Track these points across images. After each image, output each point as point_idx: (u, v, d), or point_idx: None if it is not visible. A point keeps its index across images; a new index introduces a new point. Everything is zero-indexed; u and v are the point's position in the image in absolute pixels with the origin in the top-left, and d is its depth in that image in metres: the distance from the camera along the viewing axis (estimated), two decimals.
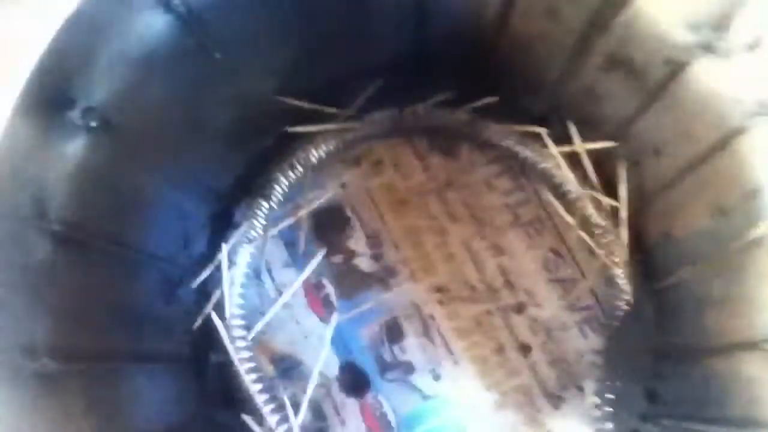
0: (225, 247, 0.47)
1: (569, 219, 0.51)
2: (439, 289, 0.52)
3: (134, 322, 0.41)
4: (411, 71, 0.49)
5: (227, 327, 0.46)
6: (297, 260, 0.52)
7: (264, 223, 0.49)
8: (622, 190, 0.47)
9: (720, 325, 0.41)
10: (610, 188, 0.49)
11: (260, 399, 0.46)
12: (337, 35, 0.44)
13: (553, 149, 0.49)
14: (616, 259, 0.49)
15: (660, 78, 0.39)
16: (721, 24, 0.34)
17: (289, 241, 0.52)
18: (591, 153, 0.49)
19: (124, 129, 0.37)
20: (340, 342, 0.51)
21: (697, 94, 0.37)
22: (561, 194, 0.51)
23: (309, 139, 0.50)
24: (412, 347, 0.51)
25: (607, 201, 0.49)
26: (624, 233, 0.48)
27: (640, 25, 0.37)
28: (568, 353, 0.51)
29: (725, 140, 0.37)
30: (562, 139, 0.50)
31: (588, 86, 0.44)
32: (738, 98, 0.36)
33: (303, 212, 0.51)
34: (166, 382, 0.44)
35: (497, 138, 0.52)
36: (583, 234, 0.50)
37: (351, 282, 0.52)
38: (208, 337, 0.47)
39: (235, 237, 0.49)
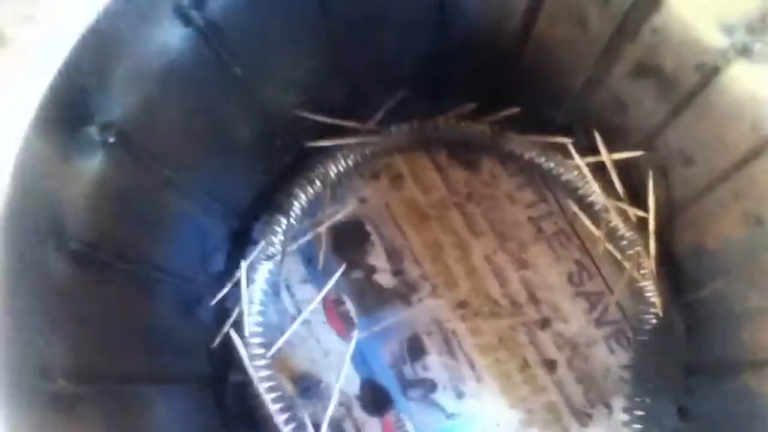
0: (244, 264, 0.47)
1: (595, 231, 0.50)
2: (462, 305, 0.51)
3: (153, 342, 0.40)
4: (432, 83, 0.49)
5: (246, 345, 0.46)
6: (316, 276, 0.51)
7: (282, 239, 0.49)
8: (651, 201, 0.46)
9: (756, 339, 0.40)
10: (636, 199, 0.48)
11: (280, 418, 0.45)
12: (357, 48, 0.44)
13: (578, 160, 0.48)
14: (644, 272, 0.48)
15: (691, 84, 0.38)
16: (757, 26, 0.33)
17: (308, 257, 0.51)
18: (617, 163, 0.48)
19: (143, 145, 0.36)
20: (360, 359, 0.50)
21: (731, 100, 0.36)
22: (586, 206, 0.50)
23: (328, 153, 0.50)
24: (434, 364, 0.50)
25: (634, 212, 0.47)
26: (652, 245, 0.47)
27: (671, 29, 0.36)
28: (595, 369, 0.49)
29: (761, 147, 0.36)
30: (587, 149, 0.49)
31: (614, 95, 0.44)
32: None
33: (322, 228, 0.50)
34: (186, 402, 0.43)
35: (520, 150, 0.51)
36: (609, 246, 0.49)
37: (371, 298, 0.51)
38: (228, 356, 0.47)
39: (253, 254, 0.48)
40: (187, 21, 0.35)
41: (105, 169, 0.34)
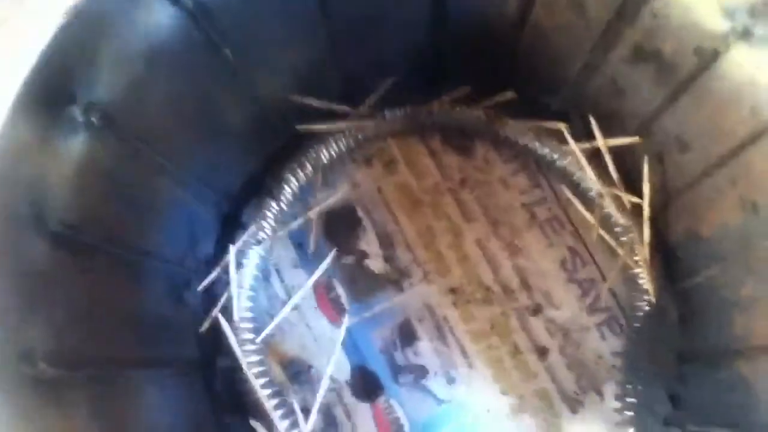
0: (233, 249, 0.46)
1: (589, 217, 0.49)
2: (453, 291, 0.50)
3: (139, 327, 0.39)
4: (428, 67, 0.48)
5: (235, 330, 0.45)
6: (307, 262, 0.50)
7: (273, 224, 0.48)
8: (646, 187, 0.46)
9: (750, 327, 0.40)
10: (631, 186, 0.48)
11: (270, 404, 0.45)
12: (352, 33, 0.43)
13: (573, 145, 0.48)
14: (638, 259, 0.47)
15: (690, 69, 0.37)
16: (759, 9, 0.32)
17: (298, 242, 0.51)
18: (612, 150, 0.47)
19: (130, 127, 0.35)
20: (351, 345, 0.49)
21: (731, 86, 0.35)
22: (580, 192, 0.50)
23: (321, 138, 0.49)
24: (425, 350, 0.49)
25: (628, 198, 0.47)
26: (646, 232, 0.46)
27: (671, 12, 0.35)
28: (587, 356, 0.49)
29: (760, 133, 0.35)
30: (582, 136, 0.48)
31: (611, 80, 0.43)
32: None
33: (313, 212, 0.49)
34: (175, 388, 0.42)
35: (514, 135, 0.50)
36: (603, 233, 0.49)
37: (363, 284, 0.50)
38: (217, 341, 0.46)
39: (243, 238, 0.47)
40: (175, 0, 0.34)
41: (89, 151, 0.33)
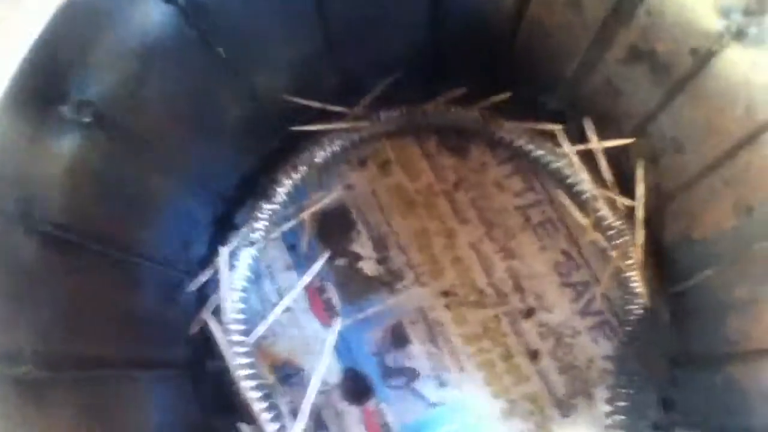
0: (223, 250, 0.46)
1: (582, 220, 0.49)
2: (446, 294, 0.50)
3: (128, 328, 0.39)
4: (425, 66, 0.48)
5: (226, 331, 0.45)
6: (299, 263, 0.50)
7: (266, 225, 0.48)
8: (639, 189, 0.45)
9: (744, 330, 0.39)
10: (625, 188, 0.48)
11: (259, 406, 0.45)
12: (350, 31, 0.43)
13: (568, 147, 0.48)
14: (631, 262, 0.47)
15: (685, 69, 0.37)
16: (753, 8, 0.32)
17: (291, 244, 0.50)
18: (607, 152, 0.47)
19: (122, 126, 0.35)
20: (343, 348, 0.49)
21: (726, 86, 0.35)
22: (574, 195, 0.50)
23: (315, 139, 0.49)
24: (417, 353, 0.49)
25: (622, 201, 0.47)
26: (640, 235, 0.46)
27: (666, 12, 0.35)
28: (578, 360, 0.49)
29: (755, 134, 0.35)
30: (577, 137, 0.48)
31: (608, 80, 0.43)
32: None
33: (306, 213, 0.49)
34: (163, 389, 0.42)
35: (509, 137, 0.50)
36: (596, 236, 0.49)
37: (355, 286, 0.50)
38: (207, 343, 0.46)
39: (236, 239, 0.47)
40: None
41: (80, 150, 0.32)
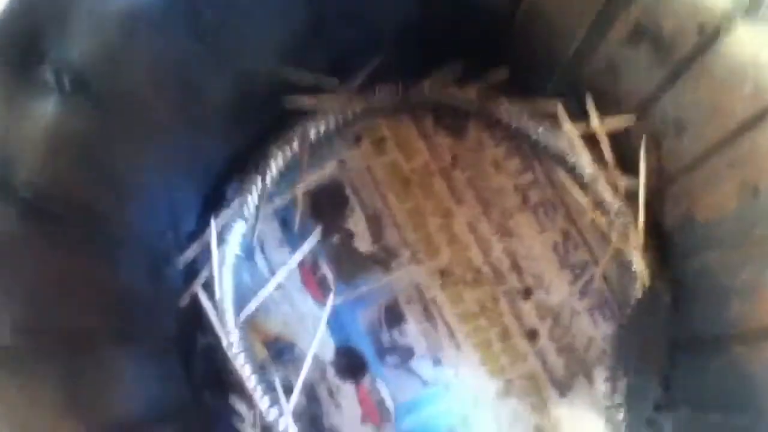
0: (214, 223, 0.45)
1: (582, 201, 0.48)
2: (442, 273, 0.49)
3: (113, 301, 0.38)
4: (418, 43, 0.46)
5: (217, 307, 0.44)
6: (292, 240, 0.49)
7: (258, 200, 0.47)
8: (642, 169, 0.44)
9: (746, 313, 0.39)
10: (625, 170, 0.47)
11: (251, 382, 0.44)
12: (340, 3, 0.41)
13: (568, 126, 0.46)
14: (631, 244, 0.46)
15: (691, 48, 0.36)
16: None
17: (284, 220, 0.49)
18: (607, 133, 0.46)
19: (106, 94, 0.34)
20: (336, 325, 0.48)
21: (733, 65, 0.34)
22: (574, 175, 0.49)
23: (308, 113, 0.48)
24: (412, 331, 0.48)
25: (623, 182, 0.46)
26: (641, 216, 0.45)
27: None
28: (577, 340, 0.48)
29: (762, 114, 0.34)
30: (576, 118, 0.47)
31: (608, 60, 0.42)
32: None
33: (299, 188, 0.48)
34: (150, 364, 0.41)
35: (508, 117, 0.49)
36: (596, 217, 0.48)
37: (349, 263, 0.49)
38: (197, 318, 0.45)
39: (226, 214, 0.46)
40: None
41: (61, 117, 0.31)
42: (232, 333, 0.44)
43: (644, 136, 0.44)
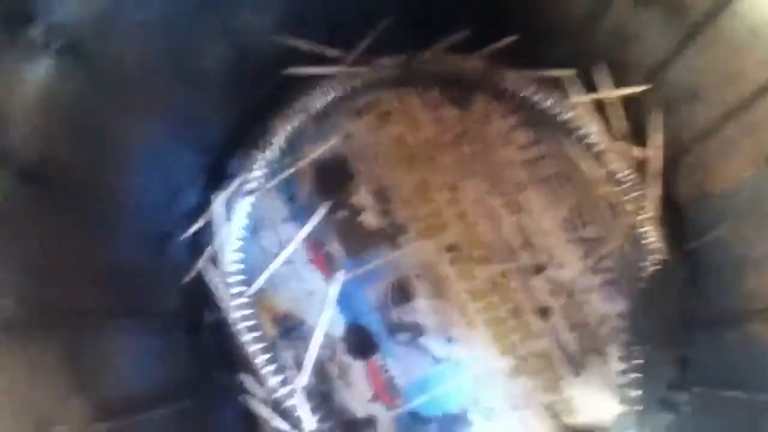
0: (216, 197, 0.44)
1: (594, 173, 0.47)
2: (451, 248, 0.49)
3: (113, 275, 0.38)
4: (423, 11, 0.45)
5: (224, 283, 0.44)
6: (298, 215, 0.49)
7: (263, 174, 0.46)
8: (656, 139, 0.43)
9: (762, 286, 0.38)
10: (637, 141, 0.46)
11: (260, 359, 0.44)
12: None
13: (578, 96, 0.45)
14: (645, 217, 0.45)
15: (704, 10, 0.35)
16: None
17: (289, 194, 0.49)
18: (617, 102, 0.45)
19: (99, 58, 0.33)
20: (345, 301, 0.48)
21: (747, 27, 0.33)
22: (584, 147, 0.48)
23: (310, 85, 0.47)
24: (422, 308, 0.48)
25: (637, 152, 0.45)
26: (655, 187, 0.44)
27: None
28: (590, 317, 0.48)
29: None
30: (586, 88, 0.46)
31: (619, 26, 0.41)
32: None
33: (304, 162, 0.48)
34: (153, 340, 0.41)
35: (515, 87, 0.48)
36: (609, 189, 0.47)
37: (357, 239, 0.49)
38: (203, 294, 0.45)
39: (230, 188, 0.46)
40: None
41: (54, 80, 0.31)
42: (241, 310, 0.44)
43: (656, 107, 0.43)
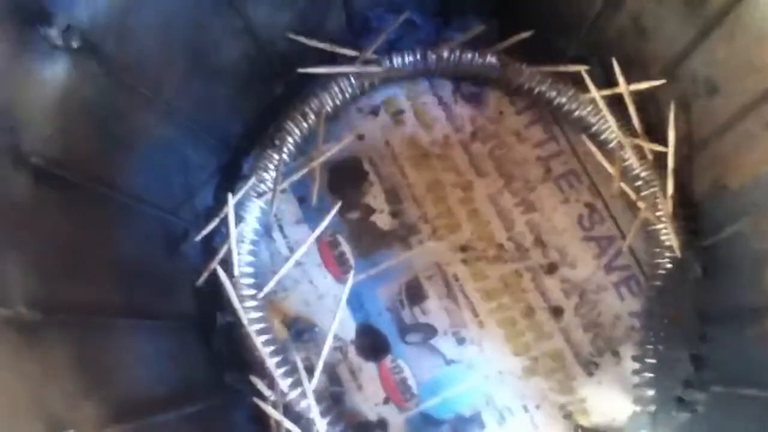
0: (231, 198, 0.44)
1: (609, 169, 0.47)
2: (464, 248, 0.48)
3: (129, 275, 0.38)
4: (437, 6, 0.45)
5: (236, 285, 0.43)
6: (310, 216, 0.48)
7: (275, 175, 0.46)
8: (672, 135, 0.43)
9: None
10: (653, 137, 0.45)
11: (271, 361, 0.44)
12: None
13: (594, 91, 0.45)
14: (660, 214, 0.45)
15: (724, 1, 0.34)
16: None
17: (301, 195, 0.49)
18: (633, 97, 0.44)
19: (115, 57, 0.33)
20: (357, 303, 0.47)
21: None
22: (598, 144, 0.47)
23: (324, 84, 0.47)
24: (434, 309, 0.47)
25: (651, 148, 0.44)
26: (670, 184, 0.44)
27: None
28: (603, 316, 0.47)
29: None
30: (601, 84, 0.46)
31: (634, 19, 0.40)
32: None
33: (316, 163, 0.47)
34: (165, 340, 0.41)
35: (529, 83, 0.47)
36: (623, 187, 0.46)
37: (368, 240, 0.48)
38: (215, 296, 0.44)
39: (243, 189, 0.45)
40: None
41: (71, 80, 0.31)
42: (252, 312, 0.44)
43: (672, 103, 0.42)
